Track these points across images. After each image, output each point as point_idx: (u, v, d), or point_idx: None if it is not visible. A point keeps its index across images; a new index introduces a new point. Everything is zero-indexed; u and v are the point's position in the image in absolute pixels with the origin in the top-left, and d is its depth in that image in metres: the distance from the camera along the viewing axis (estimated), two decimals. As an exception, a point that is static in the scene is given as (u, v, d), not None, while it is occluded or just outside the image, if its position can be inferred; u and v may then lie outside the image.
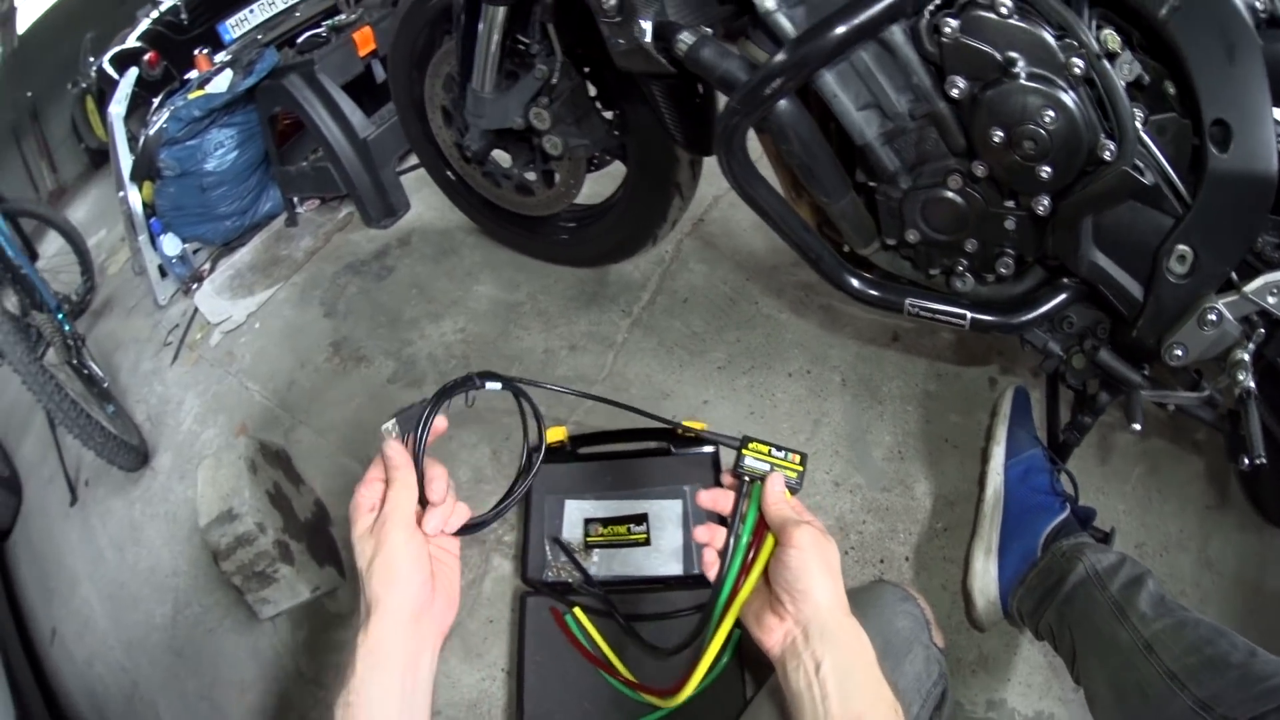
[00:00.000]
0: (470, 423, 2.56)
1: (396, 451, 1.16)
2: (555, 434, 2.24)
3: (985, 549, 1.88)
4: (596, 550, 2.10)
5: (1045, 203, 1.47)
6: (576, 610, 1.97)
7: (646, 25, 1.62)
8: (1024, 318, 1.70)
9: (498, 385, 1.30)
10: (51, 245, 5.25)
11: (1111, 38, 1.28)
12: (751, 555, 1.22)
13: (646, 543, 2.07)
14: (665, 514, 2.11)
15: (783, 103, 1.53)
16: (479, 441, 2.53)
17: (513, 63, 2.29)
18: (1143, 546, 2.00)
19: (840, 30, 1.34)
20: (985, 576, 1.84)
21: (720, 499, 1.29)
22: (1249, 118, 1.24)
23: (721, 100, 1.67)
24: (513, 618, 2.15)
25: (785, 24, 1.47)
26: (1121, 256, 1.52)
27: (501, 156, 2.64)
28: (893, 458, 2.25)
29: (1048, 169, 1.39)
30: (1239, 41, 1.20)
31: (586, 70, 2.34)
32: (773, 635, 1.14)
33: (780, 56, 1.44)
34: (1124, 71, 1.29)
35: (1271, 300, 1.39)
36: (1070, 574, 1.63)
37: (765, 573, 1.20)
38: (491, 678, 2.09)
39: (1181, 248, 1.41)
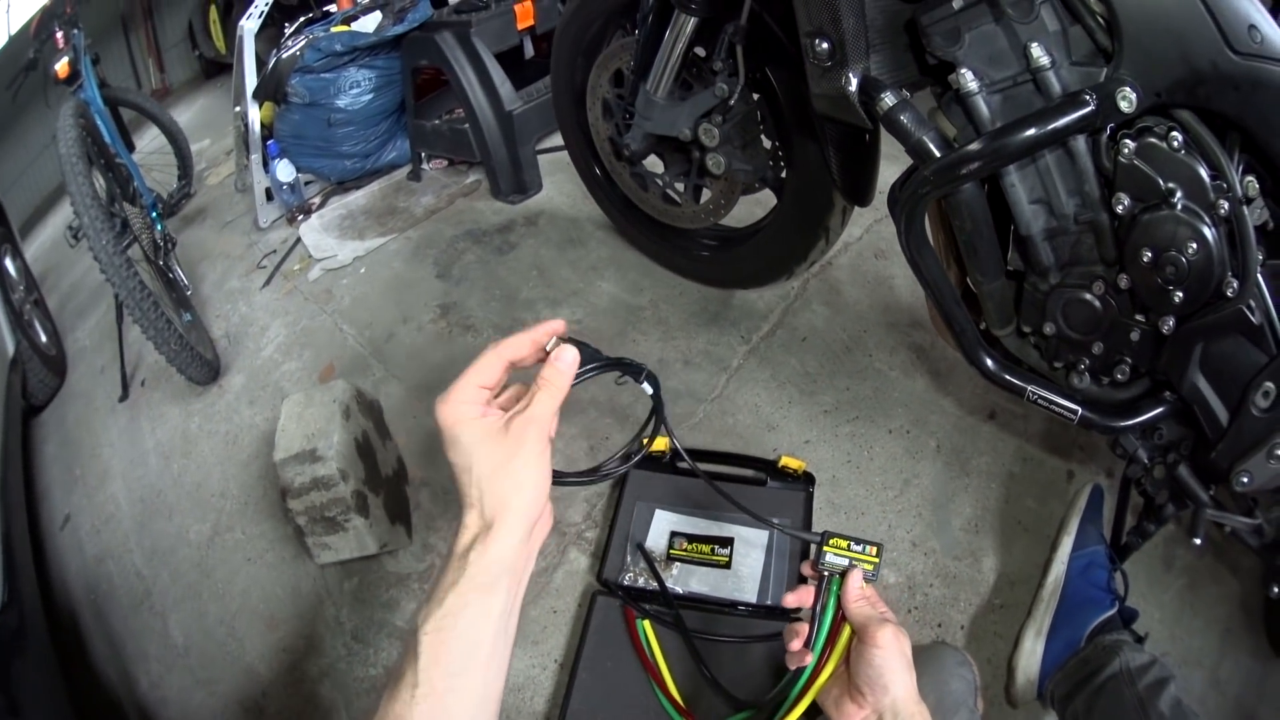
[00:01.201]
0: (576, 415, 2.69)
1: (569, 364, 1.13)
2: (657, 444, 2.32)
3: (1037, 631, 2.04)
4: (677, 564, 2.26)
5: (1170, 323, 1.59)
6: (645, 623, 2.11)
7: (854, 78, 1.73)
8: (1126, 423, 1.80)
9: (648, 388, 1.28)
10: (150, 143, 5.39)
11: (1252, 185, 1.43)
12: (829, 646, 1.35)
13: (727, 566, 2.23)
14: (751, 541, 2.28)
15: (969, 185, 1.68)
16: (578, 435, 2.66)
17: (689, 73, 2.46)
18: (1166, 655, 2.07)
19: (1034, 133, 1.48)
20: (1031, 656, 2.01)
21: (805, 597, 1.44)
22: None
23: (891, 151, 1.86)
24: (578, 613, 2.28)
25: (983, 109, 1.61)
26: (1217, 383, 1.63)
27: (654, 162, 2.79)
28: (969, 530, 2.37)
29: (1181, 294, 1.52)
30: None
31: (757, 97, 2.46)
32: (853, 715, 1.28)
33: (979, 144, 1.55)
34: (1255, 215, 1.44)
35: None
36: (1106, 667, 1.79)
37: (846, 663, 1.33)
38: (543, 666, 2.20)
39: (1268, 385, 1.54)
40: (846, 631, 1.35)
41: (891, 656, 1.25)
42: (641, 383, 1.27)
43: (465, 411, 1.06)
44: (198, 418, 3.26)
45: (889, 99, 1.67)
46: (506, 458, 1.02)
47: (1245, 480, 1.62)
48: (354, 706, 2.27)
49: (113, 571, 2.85)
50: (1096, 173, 1.59)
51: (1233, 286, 1.47)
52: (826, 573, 1.38)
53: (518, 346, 1.15)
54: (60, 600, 2.89)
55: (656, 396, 1.29)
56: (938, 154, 1.64)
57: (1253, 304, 1.48)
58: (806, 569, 1.44)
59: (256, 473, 2.90)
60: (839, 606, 1.36)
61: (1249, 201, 1.43)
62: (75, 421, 3.63)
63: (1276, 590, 1.70)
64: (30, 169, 5.55)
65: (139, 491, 3.08)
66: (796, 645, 1.36)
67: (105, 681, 2.61)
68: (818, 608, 1.37)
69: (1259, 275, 1.47)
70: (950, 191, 1.70)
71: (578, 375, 1.15)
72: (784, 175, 2.59)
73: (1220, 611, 2.18)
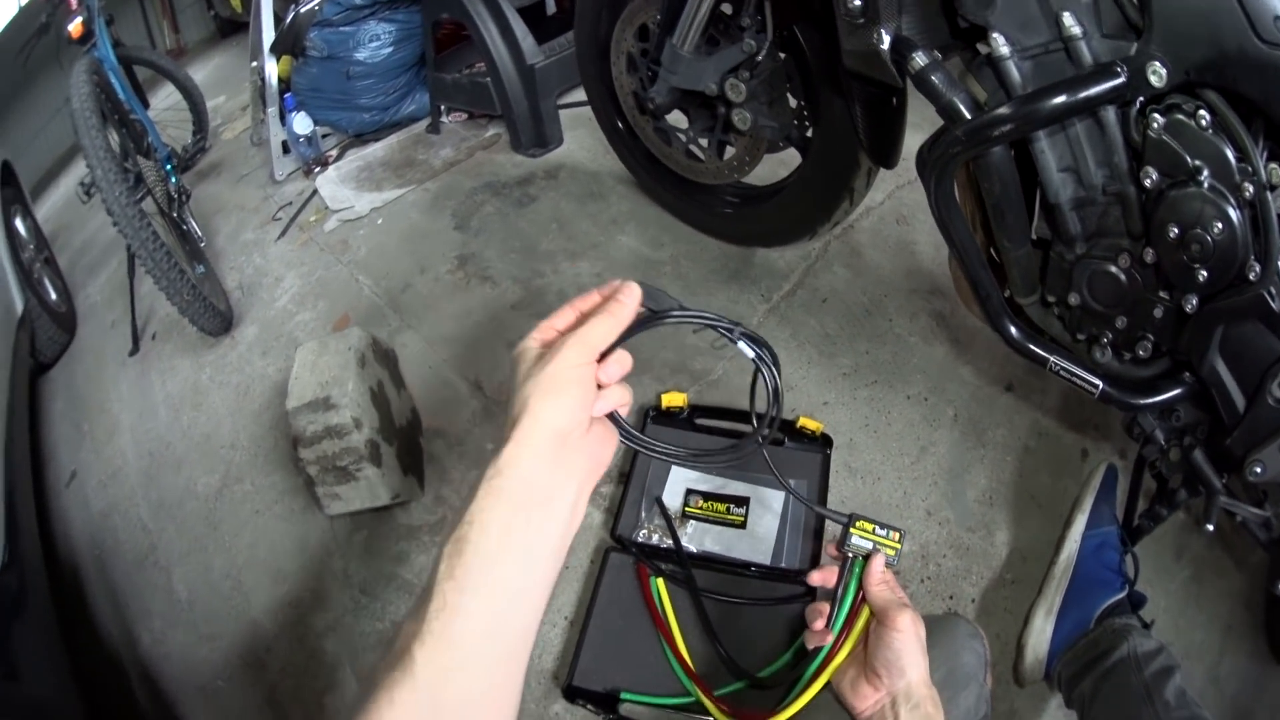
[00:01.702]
0: (641, 373, 2.68)
1: (632, 297, 1.09)
2: (675, 399, 2.43)
3: (1047, 609, 2.06)
4: (692, 522, 2.28)
5: (1194, 302, 1.59)
6: (659, 581, 2.14)
7: (887, 36, 1.74)
8: (1145, 400, 1.82)
9: (750, 351, 1.18)
10: (164, 100, 5.42)
11: (1276, 172, 1.41)
12: (848, 626, 1.37)
13: (743, 526, 2.25)
14: (767, 502, 2.31)
15: (999, 148, 1.69)
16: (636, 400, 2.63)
17: (716, 29, 2.46)
18: (1168, 646, 2.02)
19: (1065, 99, 1.49)
20: (1041, 635, 2.02)
21: (829, 577, 1.45)
22: None
23: (914, 119, 1.88)
24: (590, 569, 2.29)
25: (1014, 74, 1.61)
26: (1236, 368, 1.63)
27: (678, 117, 2.80)
28: (983, 502, 2.38)
29: (1205, 273, 1.52)
30: None
31: (783, 55, 2.46)
32: (865, 702, 1.30)
33: (1009, 108, 1.58)
34: (1278, 203, 1.42)
35: None
36: (1115, 650, 1.81)
37: (863, 645, 1.35)
38: (552, 623, 2.21)
39: None
40: (865, 614, 1.37)
41: (909, 640, 1.27)
42: (737, 342, 1.19)
43: (527, 344, 1.06)
44: (209, 369, 3.28)
45: (921, 58, 1.69)
46: (541, 365, 0.99)
47: (1259, 470, 1.63)
48: (359, 660, 2.28)
49: (118, 526, 2.87)
50: (1125, 145, 1.58)
51: (1255, 270, 1.48)
52: (850, 555, 1.40)
53: (588, 298, 1.13)
54: (64, 558, 2.91)
55: (764, 360, 1.19)
56: (969, 115, 1.65)
57: (1274, 290, 1.48)
58: (831, 550, 1.44)
59: (268, 423, 2.92)
60: (860, 589, 1.38)
61: (1273, 189, 1.42)
62: (84, 377, 3.66)
63: None
64: (43, 132, 5.54)
65: (147, 445, 3.10)
66: (819, 625, 1.38)
67: (107, 639, 2.62)
68: (839, 589, 1.39)
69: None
70: (980, 154, 1.71)
71: (654, 320, 1.13)
72: (809, 134, 2.60)
73: (1223, 607, 2.22)
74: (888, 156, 2.28)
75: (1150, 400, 1.82)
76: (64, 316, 3.99)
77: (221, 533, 2.66)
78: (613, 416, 1.13)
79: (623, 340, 1.09)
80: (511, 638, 0.94)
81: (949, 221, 1.87)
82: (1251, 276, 1.49)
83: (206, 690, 2.38)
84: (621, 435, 1.16)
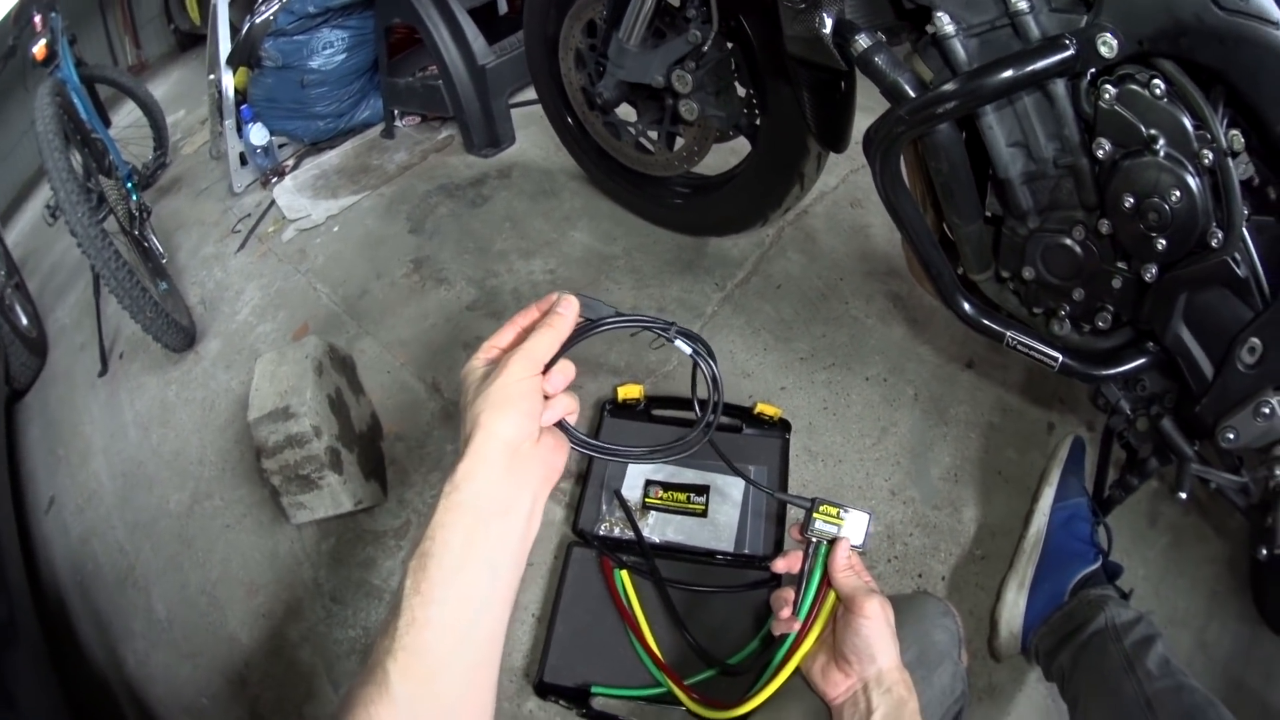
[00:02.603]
0: (586, 379, 2.64)
1: (570, 309, 1.15)
2: (631, 391, 2.38)
3: (1019, 583, 2.01)
4: (653, 513, 2.24)
5: (1153, 271, 1.57)
6: (624, 573, 2.10)
7: (829, 19, 1.70)
8: (1107, 371, 1.79)
9: (686, 348, 1.25)
10: (126, 117, 5.35)
11: (1237, 139, 1.39)
12: (814, 612, 1.36)
13: (703, 514, 2.21)
14: (727, 490, 2.25)
15: (944, 125, 1.66)
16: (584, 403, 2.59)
17: (662, 21, 2.42)
18: (1151, 614, 1.98)
19: (1013, 74, 1.45)
20: (1014, 609, 1.98)
21: (793, 562, 1.43)
22: None
23: (867, 103, 1.82)
24: (554, 565, 2.25)
25: (960, 51, 1.57)
26: (1202, 336, 1.61)
27: (627, 111, 2.76)
28: (948, 479, 2.35)
29: (1164, 241, 1.50)
30: None
31: (730, 45, 2.44)
32: (837, 689, 1.29)
33: (954, 84, 1.54)
34: (1240, 170, 1.40)
35: None
36: (1091, 622, 1.76)
37: (833, 632, 1.34)
38: (519, 621, 2.17)
39: (1254, 340, 1.51)
40: (831, 599, 1.36)
41: (878, 627, 1.26)
42: (674, 340, 1.25)
43: (472, 364, 1.11)
44: (175, 386, 3.22)
45: (863, 40, 1.66)
46: (489, 382, 1.03)
47: (1231, 437, 1.60)
48: (335, 669, 2.26)
49: (97, 550, 2.81)
50: (1076, 117, 1.55)
51: (1217, 237, 1.45)
52: (814, 539, 1.38)
53: (527, 313, 1.18)
54: (48, 585, 2.85)
55: (699, 353, 1.26)
56: (913, 94, 1.62)
57: (1238, 256, 1.46)
58: (795, 533, 1.43)
59: (233, 437, 2.87)
60: (825, 575, 1.36)
61: (1234, 155, 1.40)
62: (58, 401, 3.59)
63: (1264, 552, 1.66)
64: (11, 155, 5.48)
65: (120, 465, 3.03)
66: (786, 613, 1.37)
67: (94, 663, 2.57)
68: (804, 575, 1.37)
69: (1245, 229, 1.44)
70: (926, 132, 1.68)
71: (594, 328, 1.19)
72: (758, 122, 2.57)
73: (1206, 572, 2.17)
74: (837, 141, 2.26)
75: (1113, 371, 1.79)
76: (35, 342, 3.91)
77: (195, 549, 2.61)
78: (561, 425, 1.16)
79: (564, 351, 1.13)
80: (480, 645, 0.97)
81: (896, 202, 1.84)
82: (1214, 243, 1.46)
83: (192, 709, 2.34)
84: (572, 442, 1.18)
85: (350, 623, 2.32)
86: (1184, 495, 1.72)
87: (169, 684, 2.40)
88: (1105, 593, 1.87)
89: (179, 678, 2.39)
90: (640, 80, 2.48)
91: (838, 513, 1.39)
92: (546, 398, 1.10)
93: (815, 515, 1.39)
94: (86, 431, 3.26)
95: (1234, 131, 1.39)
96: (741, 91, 2.55)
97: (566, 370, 1.13)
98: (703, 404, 1.27)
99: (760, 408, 2.37)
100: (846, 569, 1.35)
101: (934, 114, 1.59)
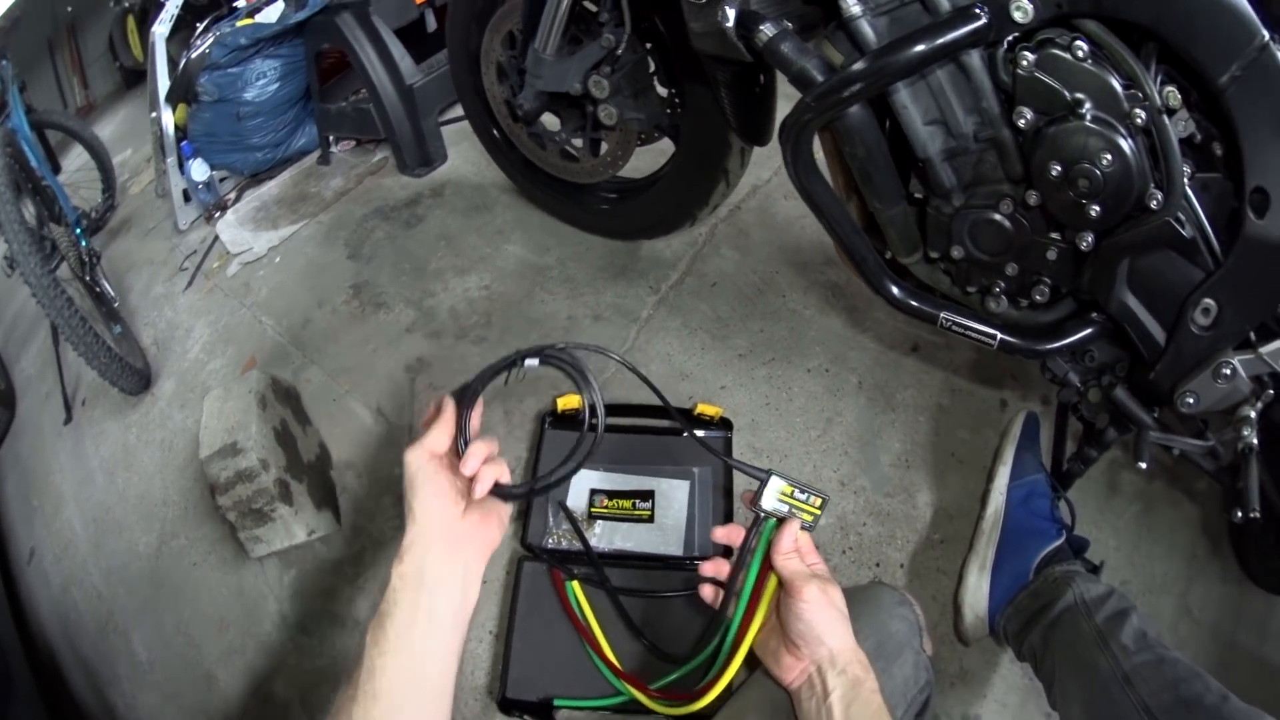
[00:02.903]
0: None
1: (449, 405, 1.29)
2: (570, 401, 2.30)
3: (980, 565, 1.92)
4: (600, 521, 2.15)
5: (1089, 239, 1.50)
6: (575, 584, 2.01)
7: (731, 12, 1.63)
8: (1050, 345, 1.71)
9: (535, 361, 1.38)
10: (75, 160, 5.24)
11: (1173, 95, 1.31)
12: (757, 594, 1.31)
13: (650, 520, 2.12)
14: (672, 494, 2.15)
15: (855, 108, 1.56)
16: (492, 401, 2.49)
17: (578, 28, 2.34)
18: (1128, 584, 2.03)
19: (922, 48, 1.36)
20: (977, 592, 1.88)
21: (733, 534, 1.38)
22: None
23: (784, 95, 1.73)
24: (506, 580, 2.18)
25: (868, 32, 1.48)
26: (1150, 301, 1.55)
27: (551, 120, 2.68)
28: (899, 465, 2.27)
29: (1097, 208, 1.42)
30: None
31: (649, 46, 2.37)
32: (791, 673, 1.24)
33: (861, 64, 1.45)
34: (1179, 128, 1.33)
35: None
36: (1059, 600, 1.67)
37: (779, 615, 1.30)
38: (478, 639, 2.11)
39: (1208, 301, 1.44)
40: (773, 581, 1.33)
41: (818, 610, 1.24)
42: (522, 367, 1.38)
43: (406, 458, 1.24)
44: (135, 429, 3.14)
45: (768, 30, 1.57)
46: (405, 474, 1.21)
47: (1191, 401, 1.55)
48: (308, 700, 2.21)
49: (77, 598, 2.74)
50: (995, 88, 1.47)
51: (1157, 199, 1.38)
52: (762, 514, 1.35)
53: (427, 416, 1.33)
54: (38, 636, 2.79)
55: (558, 363, 1.39)
56: (821, 80, 1.53)
57: (1182, 217, 1.38)
58: (746, 499, 1.40)
59: (192, 476, 2.79)
60: (767, 554, 1.32)
61: (1171, 113, 1.32)
62: (29, 452, 3.50)
63: (1240, 515, 1.55)
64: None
65: (90, 512, 2.96)
66: (708, 592, 1.41)
67: (87, 711, 2.52)
68: (745, 551, 1.35)
69: (1188, 188, 1.37)
70: (836, 117, 1.58)
71: (467, 403, 1.31)
72: (680, 122, 2.47)
73: (1182, 536, 2.10)
74: (759, 135, 2.20)
75: (1056, 345, 1.71)
76: (4, 394, 3.83)
77: (167, 590, 2.56)
78: (496, 491, 1.27)
79: (463, 429, 1.28)
80: (429, 688, 1.12)
81: (812, 190, 1.76)
82: (1153, 205, 1.39)
83: None
84: (506, 499, 1.31)
85: (318, 652, 2.27)
86: (1144, 465, 1.64)
87: (156, 727, 2.35)
88: (1072, 568, 1.78)
89: (165, 719, 2.36)
90: (558, 89, 2.40)
91: (792, 491, 1.34)
92: (472, 478, 1.25)
93: (767, 489, 1.34)
94: (57, 481, 3.19)
95: (1170, 88, 1.31)
96: (663, 92, 2.48)
97: (478, 452, 1.26)
98: (592, 408, 1.38)
99: (700, 408, 2.27)
100: (790, 553, 1.31)
101: (841, 97, 1.50)
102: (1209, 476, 1.73)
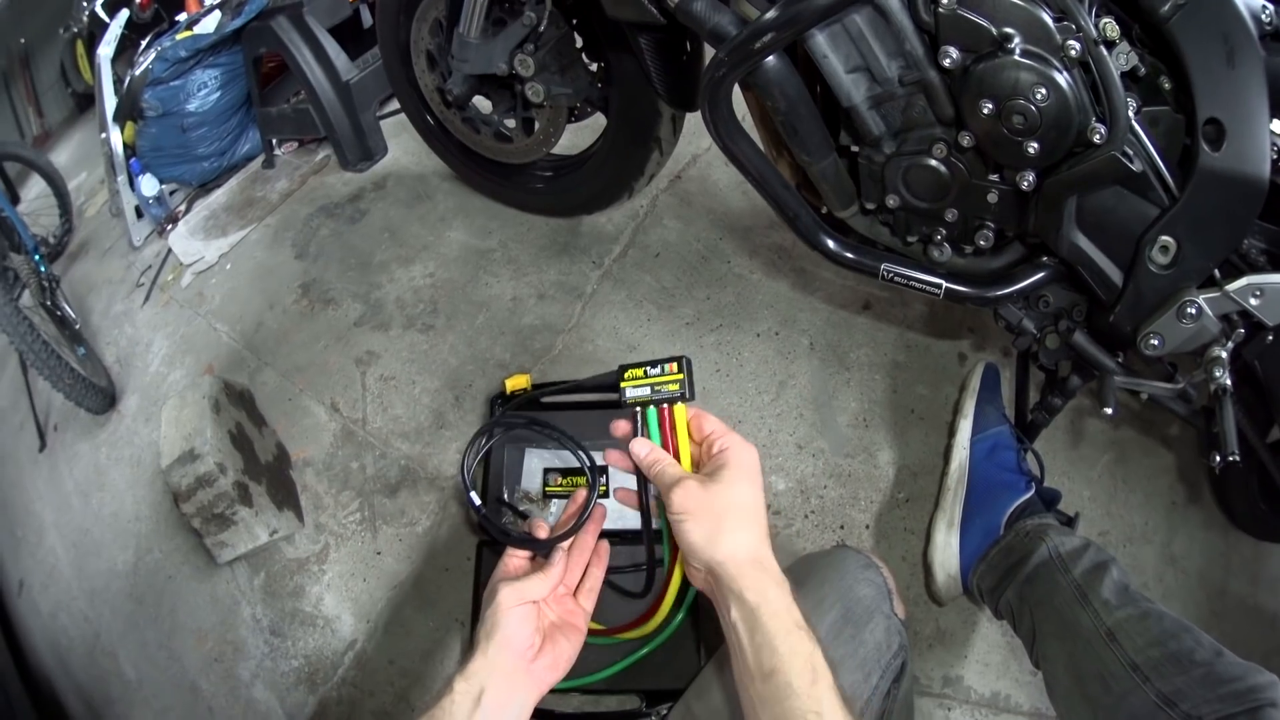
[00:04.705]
0: (436, 370, 2.56)
1: (560, 558, 1.30)
2: (518, 381, 2.21)
3: (948, 522, 1.85)
4: (554, 500, 2.08)
5: (1030, 178, 1.44)
6: None
7: None
8: (999, 292, 1.67)
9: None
10: (33, 189, 5.24)
11: (1110, 27, 1.26)
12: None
13: (606, 495, 2.01)
14: (625, 467, 2.06)
15: (771, 59, 1.50)
16: (442, 387, 2.52)
17: (501, 9, 2.28)
18: (1106, 535, 1.97)
19: None
20: (947, 550, 1.82)
21: (625, 427, 1.29)
22: (1244, 120, 1.24)
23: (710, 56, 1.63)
24: (470, 567, 2.10)
25: None
26: (1103, 241, 1.50)
27: (482, 103, 2.64)
28: (857, 425, 2.22)
29: (1035, 145, 1.37)
30: (1241, 47, 1.19)
31: (574, 21, 2.32)
32: (696, 581, 1.17)
33: (771, 13, 1.40)
34: (1120, 61, 1.28)
35: (1254, 301, 1.37)
36: (1033, 554, 1.60)
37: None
38: (446, 628, 2.09)
39: (1165, 238, 1.39)
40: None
41: (686, 520, 1.12)
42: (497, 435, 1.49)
43: (501, 571, 1.30)
44: (104, 447, 3.07)
45: None
46: (485, 604, 1.20)
47: (1156, 343, 1.50)
48: (286, 701, 2.18)
49: (66, 624, 2.68)
50: (916, 29, 1.42)
51: (1100, 132, 1.33)
52: (636, 408, 1.26)
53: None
54: (35, 667, 2.73)
55: (543, 434, 1.44)
56: (733, 33, 1.50)
57: (1129, 151, 1.34)
58: (615, 428, 1.33)
59: (160, 489, 2.71)
60: (662, 435, 1.25)
61: (1110, 45, 1.28)
62: (7, 484, 3.42)
63: (1218, 459, 1.48)
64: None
65: (70, 536, 2.90)
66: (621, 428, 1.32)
67: None
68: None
69: (1135, 122, 1.34)
70: (751, 70, 1.53)
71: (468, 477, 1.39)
72: (608, 94, 2.41)
73: (1160, 484, 2.09)
74: (687, 100, 2.18)
75: (1004, 291, 1.68)
76: None
77: (147, 605, 2.50)
78: (530, 544, 1.34)
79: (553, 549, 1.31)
80: None
81: (735, 149, 1.73)
82: (1096, 139, 1.34)
83: None
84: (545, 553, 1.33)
85: (291, 654, 2.23)
86: (1110, 410, 1.58)
87: (148, 745, 2.30)
88: (1044, 522, 1.72)
89: None
90: (485, 71, 2.33)
91: (644, 371, 1.26)
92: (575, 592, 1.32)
93: (624, 384, 1.27)
94: (38, 509, 3.11)
95: (1106, 20, 1.28)
96: (592, 66, 2.42)
97: (593, 576, 1.37)
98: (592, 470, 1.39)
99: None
100: (653, 462, 1.22)
101: (753, 49, 1.47)
102: (1183, 421, 1.74)
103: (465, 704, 1.05)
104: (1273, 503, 1.87)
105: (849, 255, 1.79)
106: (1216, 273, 1.42)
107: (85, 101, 6.77)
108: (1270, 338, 1.45)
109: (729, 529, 1.09)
